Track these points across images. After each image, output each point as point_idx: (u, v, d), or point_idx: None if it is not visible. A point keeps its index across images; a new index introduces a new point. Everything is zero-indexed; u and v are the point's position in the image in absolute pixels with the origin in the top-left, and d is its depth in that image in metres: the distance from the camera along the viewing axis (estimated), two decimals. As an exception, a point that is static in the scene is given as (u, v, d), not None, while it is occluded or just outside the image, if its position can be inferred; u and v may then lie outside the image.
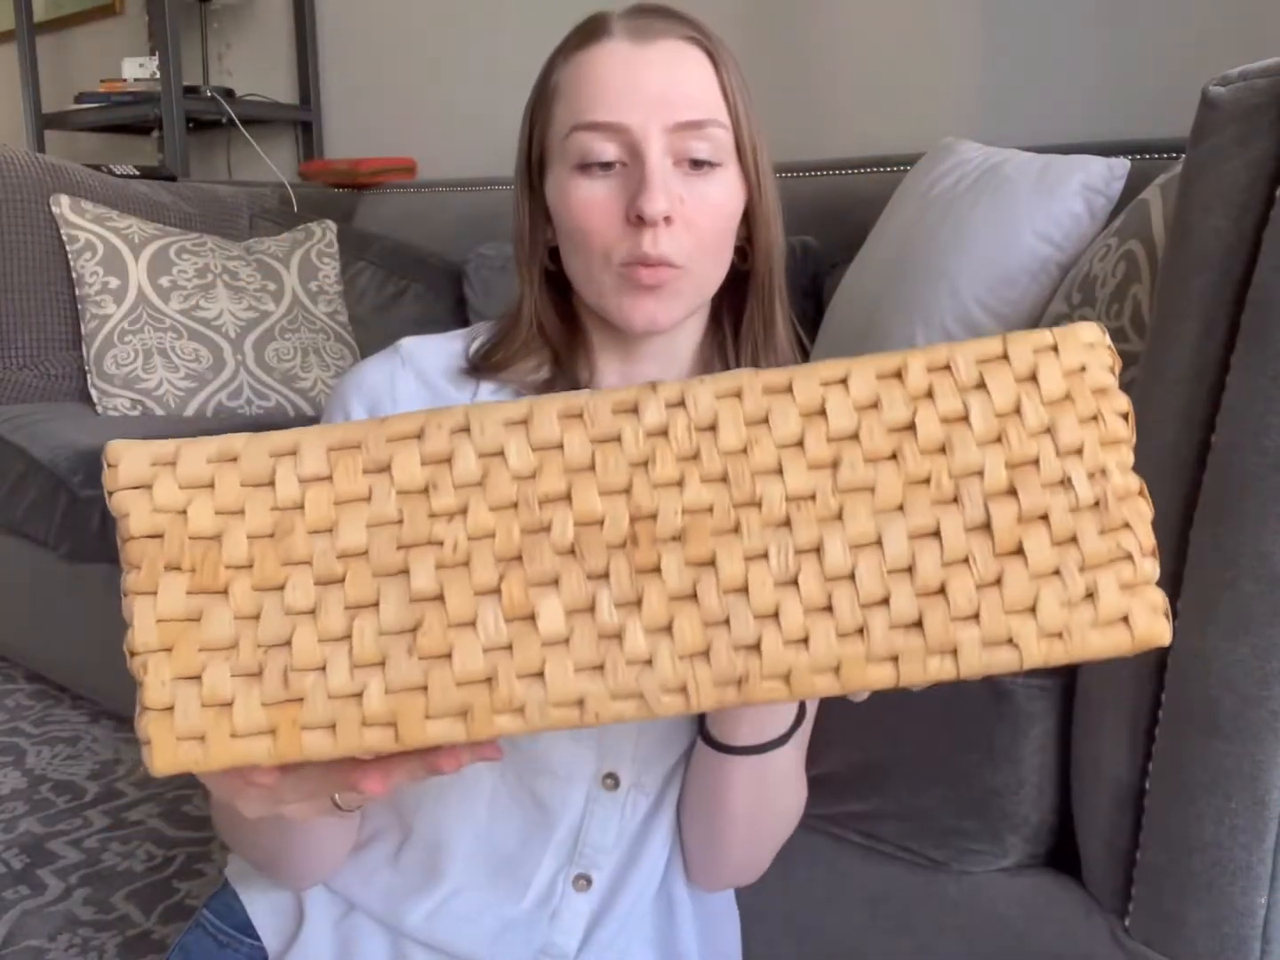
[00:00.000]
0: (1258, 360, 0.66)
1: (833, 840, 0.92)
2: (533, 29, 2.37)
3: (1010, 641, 0.38)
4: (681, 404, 0.39)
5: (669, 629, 0.38)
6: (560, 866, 0.73)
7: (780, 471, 0.39)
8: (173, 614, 0.38)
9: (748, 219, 0.71)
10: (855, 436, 0.39)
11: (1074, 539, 0.39)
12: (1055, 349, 0.40)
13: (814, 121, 1.99)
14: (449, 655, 0.38)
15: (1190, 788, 0.71)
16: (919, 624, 0.38)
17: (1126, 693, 0.75)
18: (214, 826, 0.71)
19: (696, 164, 0.67)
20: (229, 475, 0.39)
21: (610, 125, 0.65)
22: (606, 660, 0.38)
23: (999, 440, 0.39)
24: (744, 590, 0.38)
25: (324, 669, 0.38)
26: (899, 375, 0.40)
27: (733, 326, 0.75)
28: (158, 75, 2.72)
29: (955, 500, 0.39)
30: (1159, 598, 0.39)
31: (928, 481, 0.39)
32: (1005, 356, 0.40)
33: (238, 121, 2.78)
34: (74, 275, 2.01)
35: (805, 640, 0.38)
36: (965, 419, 0.39)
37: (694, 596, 0.38)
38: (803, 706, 0.71)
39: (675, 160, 0.66)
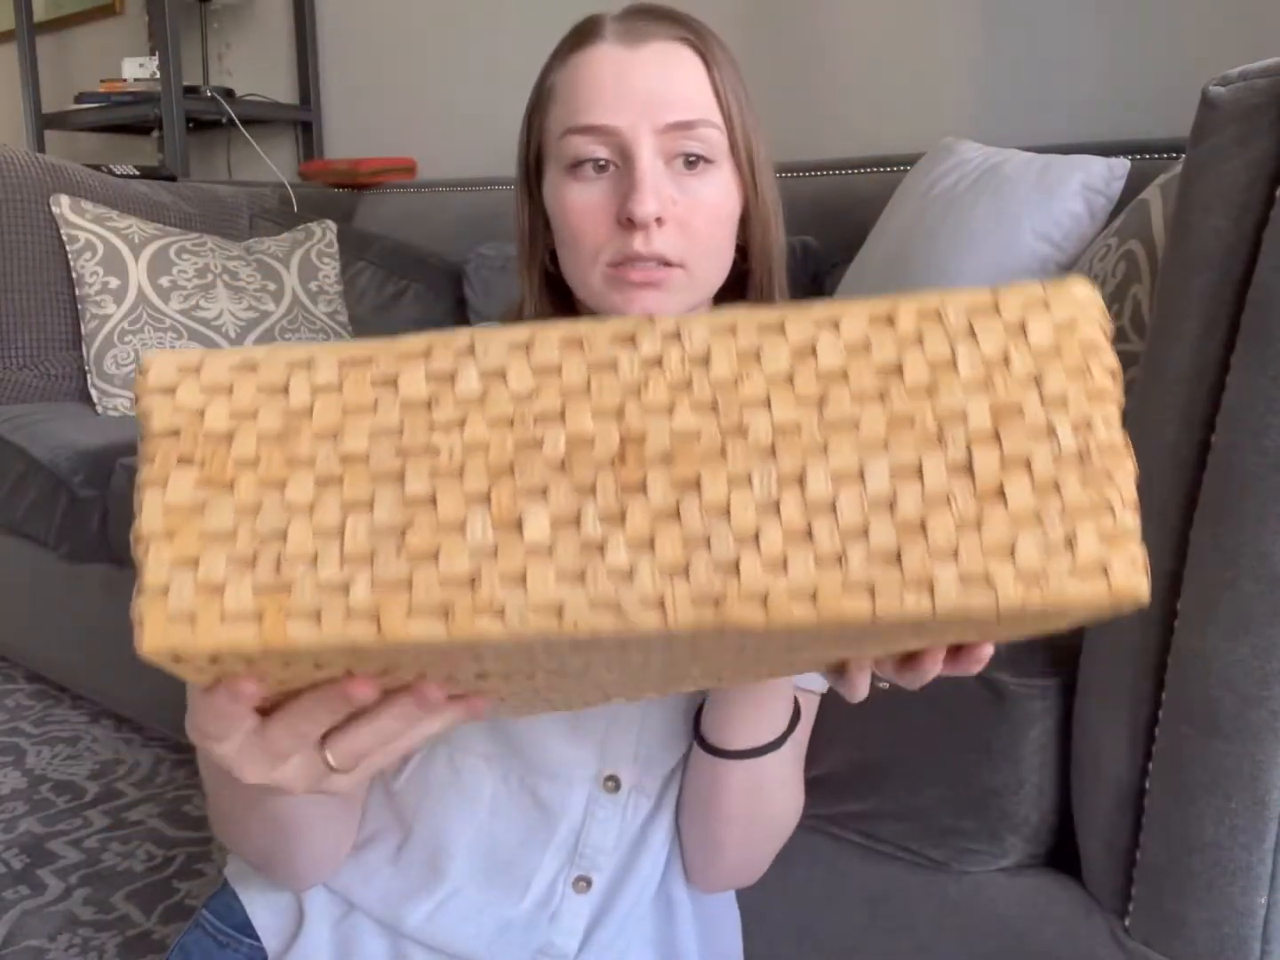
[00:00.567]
0: (1258, 360, 0.66)
1: (833, 840, 0.92)
2: (533, 29, 2.37)
3: (987, 581, 0.39)
4: (677, 336, 0.41)
5: (650, 544, 0.39)
6: (560, 868, 0.73)
7: (768, 404, 0.40)
8: (179, 504, 0.40)
9: (744, 219, 0.71)
10: (844, 375, 0.40)
11: (1055, 486, 0.39)
12: (1046, 303, 0.41)
13: (814, 121, 1.99)
14: (435, 555, 0.39)
15: (1190, 788, 0.71)
16: (897, 557, 0.39)
17: (1126, 692, 0.75)
18: (210, 826, 0.71)
19: (690, 164, 0.67)
20: (247, 381, 0.41)
21: (601, 128, 0.66)
22: (588, 570, 0.39)
23: (985, 386, 0.40)
24: (726, 512, 0.39)
25: (315, 560, 0.39)
26: (890, 320, 0.41)
27: None
28: (158, 75, 2.72)
29: (939, 441, 0.40)
30: (1139, 552, 0.39)
31: (913, 422, 0.40)
32: (996, 307, 0.41)
33: (238, 121, 2.78)
34: (74, 275, 2.01)
35: (784, 565, 0.39)
36: (953, 364, 0.40)
37: (677, 515, 0.39)
38: (797, 710, 0.71)
39: (668, 160, 0.67)
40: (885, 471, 0.39)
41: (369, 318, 2.24)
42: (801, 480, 0.39)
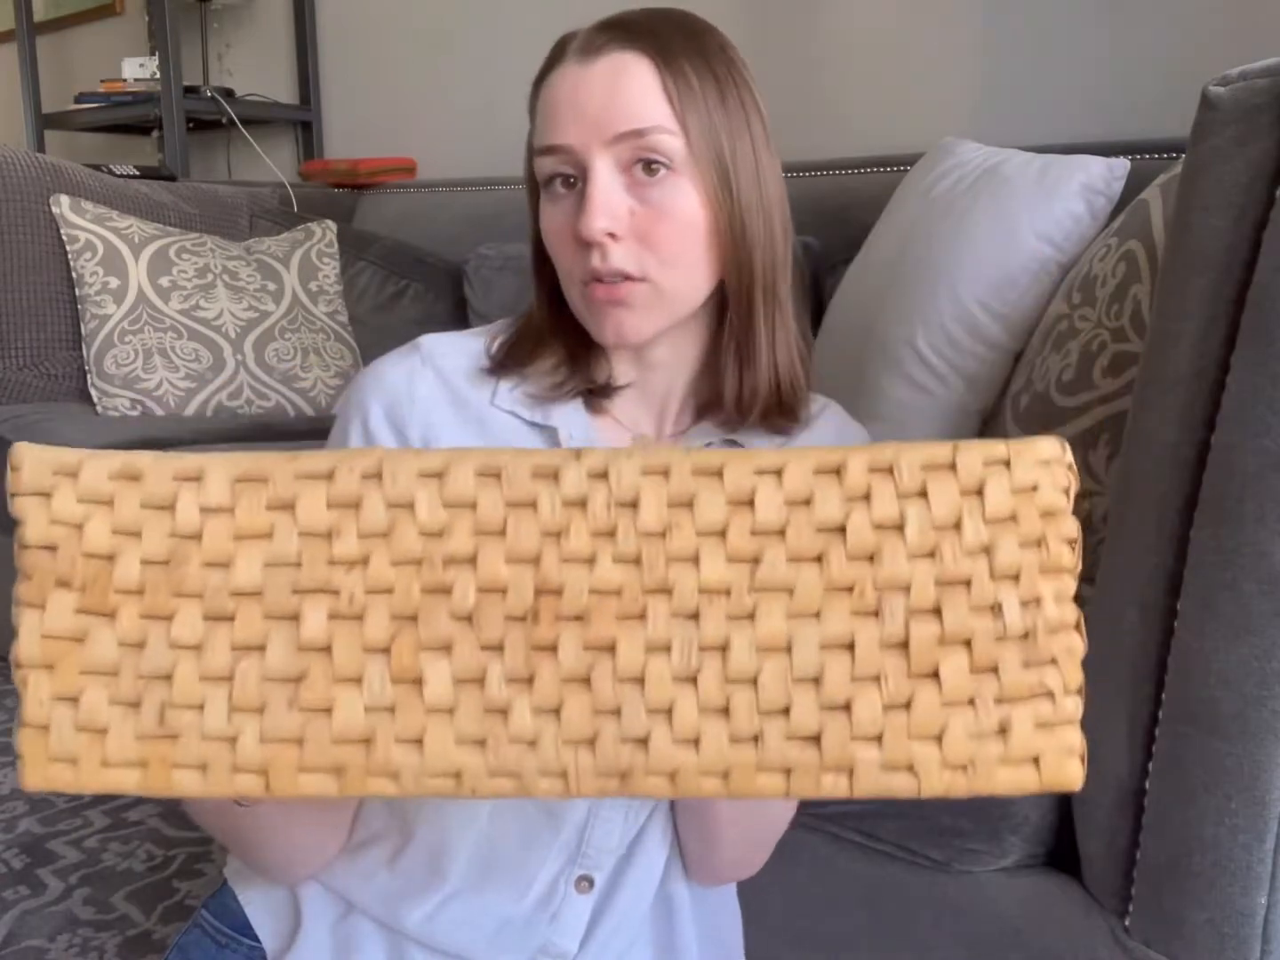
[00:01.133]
0: (1258, 360, 0.66)
1: (832, 840, 0.92)
2: (533, 29, 2.37)
3: (910, 768, 0.37)
4: (604, 476, 0.38)
5: (557, 711, 0.37)
6: (563, 868, 0.73)
7: (697, 561, 0.37)
8: (58, 631, 0.38)
9: (718, 231, 0.68)
10: (781, 532, 0.38)
11: (995, 668, 0.37)
12: (1007, 464, 0.38)
13: (814, 121, 1.99)
14: (329, 710, 0.37)
15: (1190, 788, 0.71)
16: (817, 738, 0.37)
17: (1126, 692, 0.75)
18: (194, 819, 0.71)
19: (650, 170, 0.66)
20: (130, 494, 0.38)
21: (558, 147, 0.67)
22: (489, 736, 0.37)
23: (932, 555, 0.37)
24: (640, 681, 0.37)
25: (201, 708, 0.37)
26: (838, 472, 0.38)
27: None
28: (158, 75, 2.72)
29: (876, 613, 0.37)
30: (1076, 739, 0.38)
31: (850, 590, 0.37)
32: (953, 466, 0.38)
33: (238, 121, 2.78)
34: (74, 275, 2.01)
35: (696, 741, 0.37)
36: (900, 528, 0.37)
37: (588, 681, 0.37)
38: None
39: (626, 169, 0.66)
40: (815, 643, 0.37)
41: (369, 317, 2.24)
42: (725, 649, 0.37)
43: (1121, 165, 1.17)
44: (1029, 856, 0.84)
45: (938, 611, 0.37)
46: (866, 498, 0.38)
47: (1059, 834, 0.84)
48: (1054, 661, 0.38)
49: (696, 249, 0.68)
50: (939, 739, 0.37)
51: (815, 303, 1.58)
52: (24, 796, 1.59)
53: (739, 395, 0.72)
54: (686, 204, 0.67)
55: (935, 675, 0.37)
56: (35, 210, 2.01)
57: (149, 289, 2.01)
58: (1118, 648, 0.76)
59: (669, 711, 0.37)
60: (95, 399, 1.96)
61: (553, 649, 0.37)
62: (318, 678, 0.37)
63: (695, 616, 0.37)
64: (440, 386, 0.71)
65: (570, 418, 0.72)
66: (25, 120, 3.10)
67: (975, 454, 0.38)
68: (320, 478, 0.38)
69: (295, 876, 0.73)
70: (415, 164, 2.67)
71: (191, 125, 2.80)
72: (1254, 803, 0.69)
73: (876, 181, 1.68)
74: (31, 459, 0.38)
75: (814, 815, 0.82)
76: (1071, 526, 0.38)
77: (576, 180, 0.68)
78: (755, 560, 0.37)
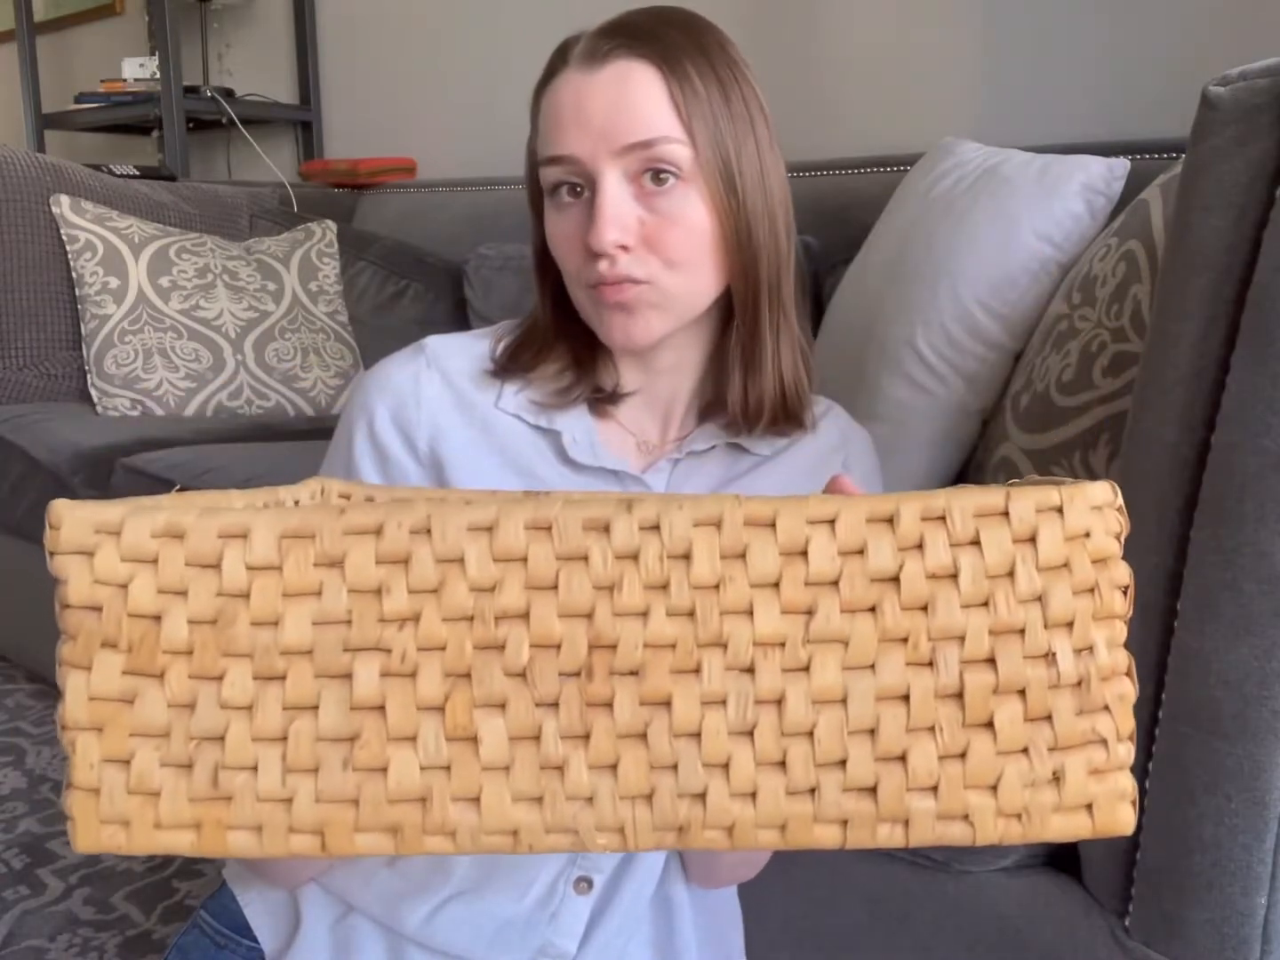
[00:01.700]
0: (1258, 360, 0.66)
1: (832, 840, 0.92)
2: (533, 29, 2.37)
3: (966, 818, 0.37)
4: (656, 528, 0.38)
5: (614, 768, 0.37)
6: (562, 869, 0.73)
7: (751, 613, 0.37)
8: (106, 693, 0.37)
9: (726, 238, 0.68)
10: (835, 583, 0.37)
11: (1049, 717, 0.37)
12: (1060, 510, 0.38)
13: (814, 121, 1.99)
14: (384, 770, 0.37)
15: (1190, 788, 0.71)
16: (873, 790, 0.37)
17: (1126, 693, 0.75)
18: None
19: (659, 180, 0.66)
20: (174, 553, 0.37)
21: (564, 158, 0.67)
22: (546, 793, 0.37)
23: (986, 604, 0.37)
24: (697, 736, 0.37)
25: (255, 769, 0.37)
26: (890, 521, 0.38)
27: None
28: (158, 75, 2.72)
29: (930, 664, 0.37)
30: (1129, 784, 0.38)
31: (905, 640, 0.37)
32: (1005, 513, 0.38)
33: (238, 121, 2.78)
34: (74, 275, 2.01)
35: (753, 795, 0.37)
36: (953, 577, 0.37)
37: (644, 737, 0.37)
38: None
39: (635, 178, 0.66)
40: (870, 695, 0.37)
41: (369, 317, 2.24)
42: (780, 703, 0.37)
43: (1121, 165, 1.17)
44: (1029, 856, 0.84)
45: (992, 661, 0.37)
46: (920, 547, 0.37)
47: (1059, 834, 0.84)
48: (1106, 708, 0.38)
49: (703, 254, 0.68)
50: (994, 788, 0.37)
51: (815, 303, 1.58)
52: (24, 796, 1.59)
53: (745, 400, 0.72)
54: (694, 212, 0.67)
55: (990, 725, 0.37)
56: (35, 210, 2.01)
57: (149, 289, 2.01)
58: (1118, 648, 0.76)
59: (726, 766, 0.37)
60: (95, 399, 1.96)
61: (608, 705, 0.37)
62: (372, 737, 0.37)
63: (750, 670, 0.37)
64: (446, 389, 0.71)
65: (574, 422, 0.72)
66: (25, 120, 3.10)
67: (1028, 501, 0.38)
68: (368, 533, 0.38)
69: (297, 881, 0.73)
70: (415, 164, 2.67)
71: (191, 125, 2.80)
72: (1254, 803, 0.69)
73: (876, 181, 1.68)
74: (71, 517, 0.37)
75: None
76: (1123, 573, 0.38)
77: (583, 189, 0.67)
78: (809, 612, 0.37)
